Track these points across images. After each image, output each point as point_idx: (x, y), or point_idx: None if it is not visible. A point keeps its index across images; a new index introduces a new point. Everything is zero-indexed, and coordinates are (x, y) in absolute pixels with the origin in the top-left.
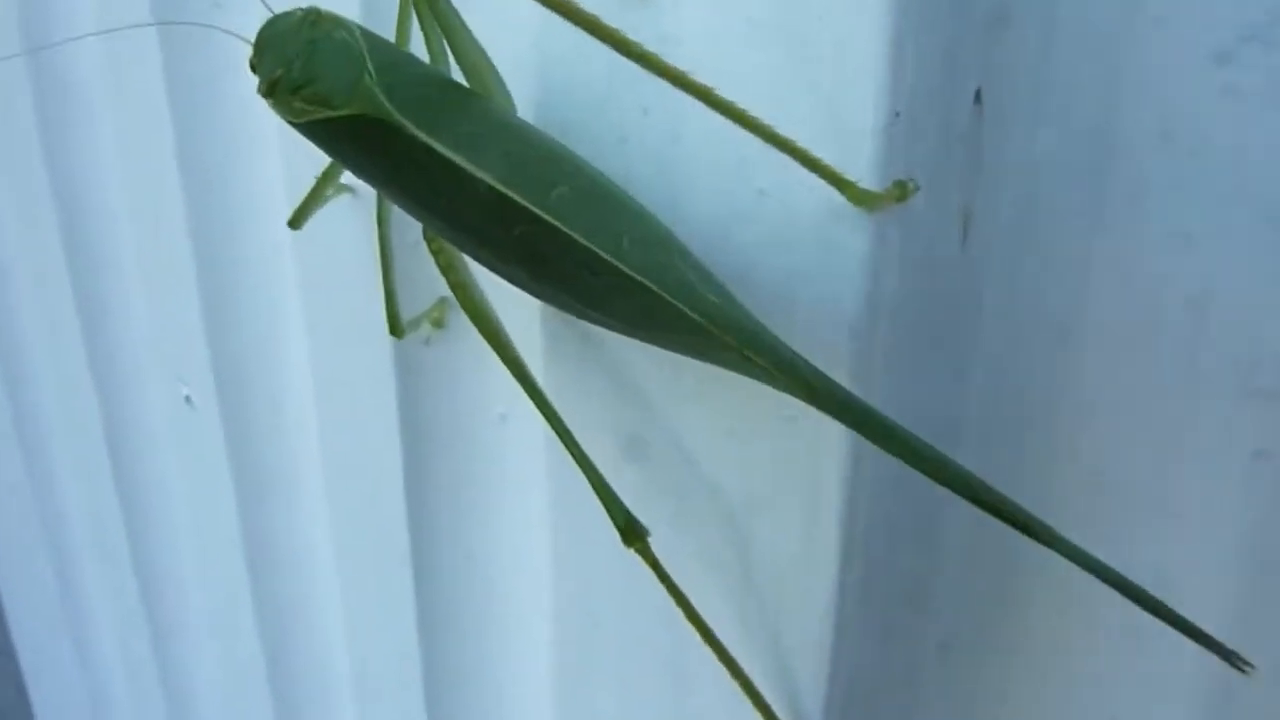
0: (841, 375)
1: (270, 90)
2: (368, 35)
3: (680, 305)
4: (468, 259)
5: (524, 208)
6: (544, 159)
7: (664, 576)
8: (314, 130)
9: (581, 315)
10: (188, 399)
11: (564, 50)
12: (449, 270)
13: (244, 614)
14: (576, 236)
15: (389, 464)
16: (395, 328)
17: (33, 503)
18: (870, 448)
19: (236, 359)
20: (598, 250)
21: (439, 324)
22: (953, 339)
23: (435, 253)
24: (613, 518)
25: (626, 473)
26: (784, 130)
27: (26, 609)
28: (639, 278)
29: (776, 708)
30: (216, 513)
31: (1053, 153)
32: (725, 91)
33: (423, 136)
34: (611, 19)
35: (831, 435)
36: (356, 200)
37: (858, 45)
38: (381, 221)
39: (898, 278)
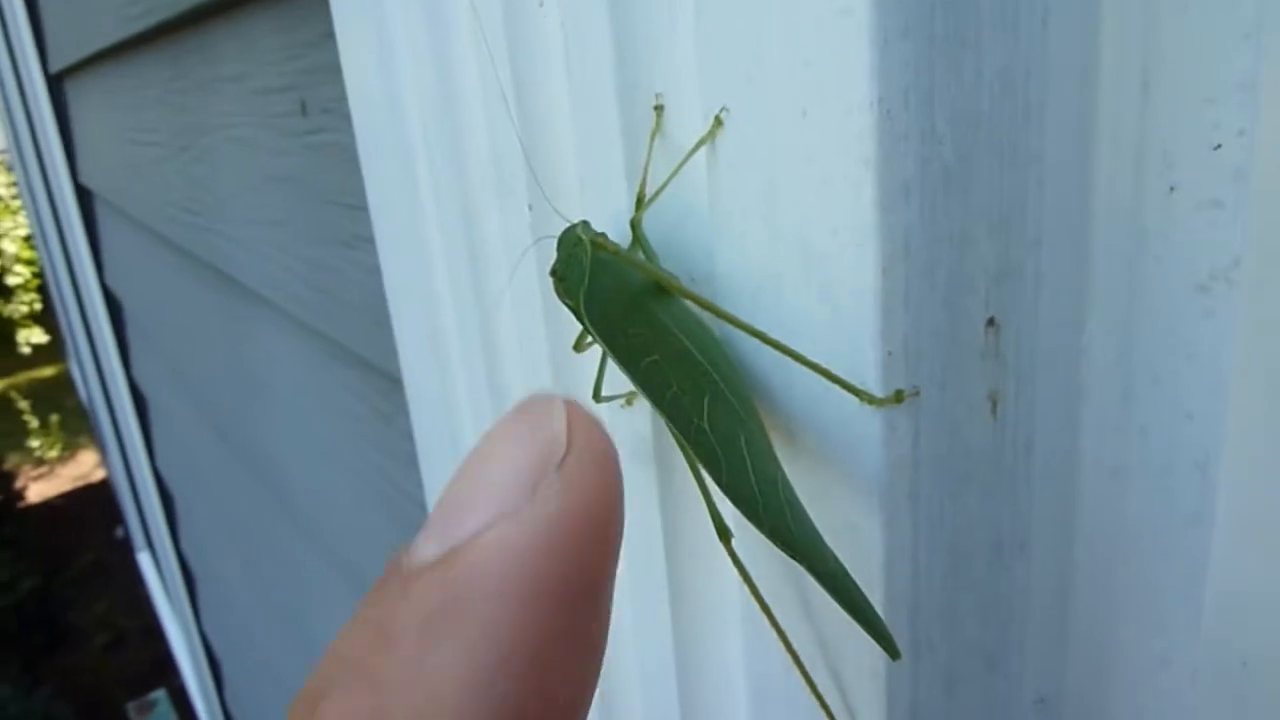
0: (874, 507)
1: (552, 274)
2: (596, 256)
3: (671, 424)
4: None
5: (625, 372)
6: (675, 365)
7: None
8: (566, 309)
9: None
10: None
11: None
12: None
13: None
14: (640, 390)
15: (654, 538)
16: (596, 394)
17: None
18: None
19: None
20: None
21: (630, 403)
22: (1003, 477)
23: None
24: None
25: None
26: (821, 356)
27: None
28: (660, 411)
29: None
30: None
31: (1079, 349)
32: (801, 328)
33: (589, 326)
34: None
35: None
36: None
37: (860, 305)
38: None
39: (915, 444)
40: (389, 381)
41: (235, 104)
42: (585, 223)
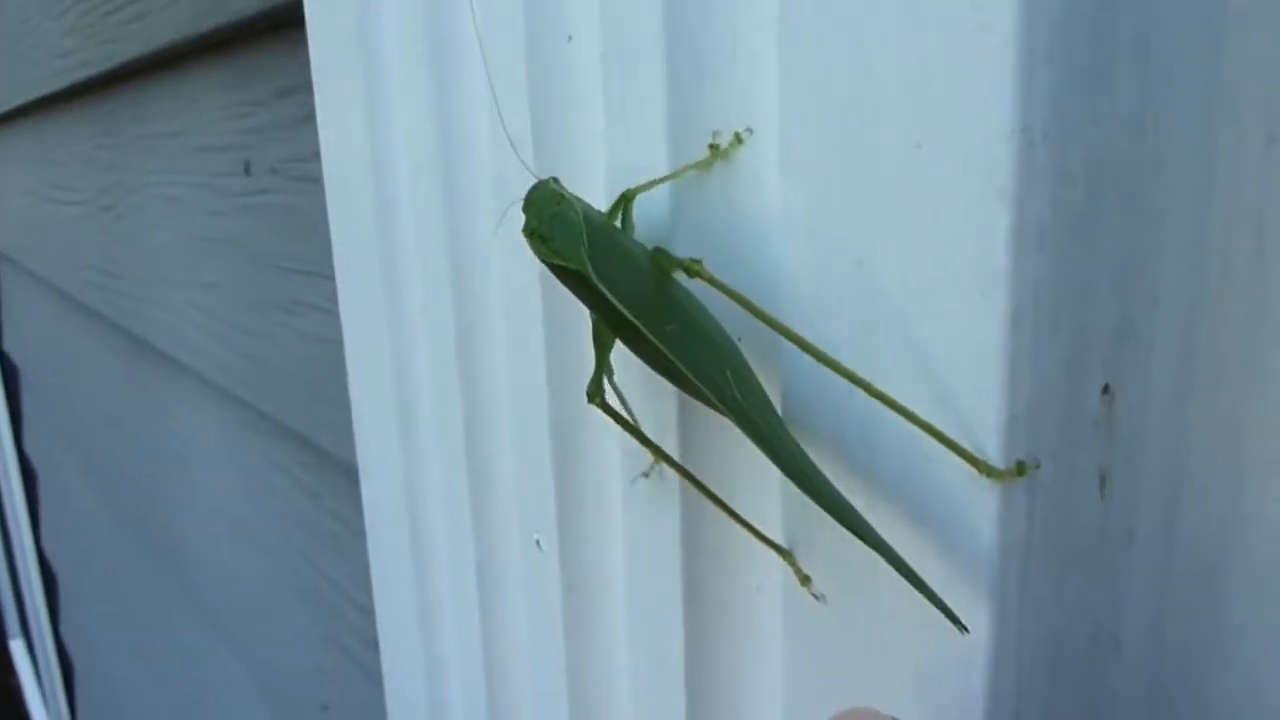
0: (981, 595)
1: (530, 235)
2: (588, 216)
3: (704, 388)
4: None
5: (647, 335)
6: (695, 338)
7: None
8: (550, 267)
9: (673, 384)
10: (538, 543)
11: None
12: (597, 334)
13: (559, 701)
14: (668, 352)
15: (672, 609)
16: (595, 393)
17: (417, 609)
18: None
19: (574, 517)
20: (675, 359)
21: (647, 475)
22: (1103, 567)
23: (596, 330)
24: None
25: None
26: (938, 420)
27: (400, 683)
28: (693, 377)
29: None
30: (550, 633)
31: (1193, 425)
32: (902, 385)
33: (605, 291)
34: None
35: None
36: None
37: (983, 362)
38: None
39: (1030, 524)
40: (319, 457)
41: (171, 161)
42: (555, 179)
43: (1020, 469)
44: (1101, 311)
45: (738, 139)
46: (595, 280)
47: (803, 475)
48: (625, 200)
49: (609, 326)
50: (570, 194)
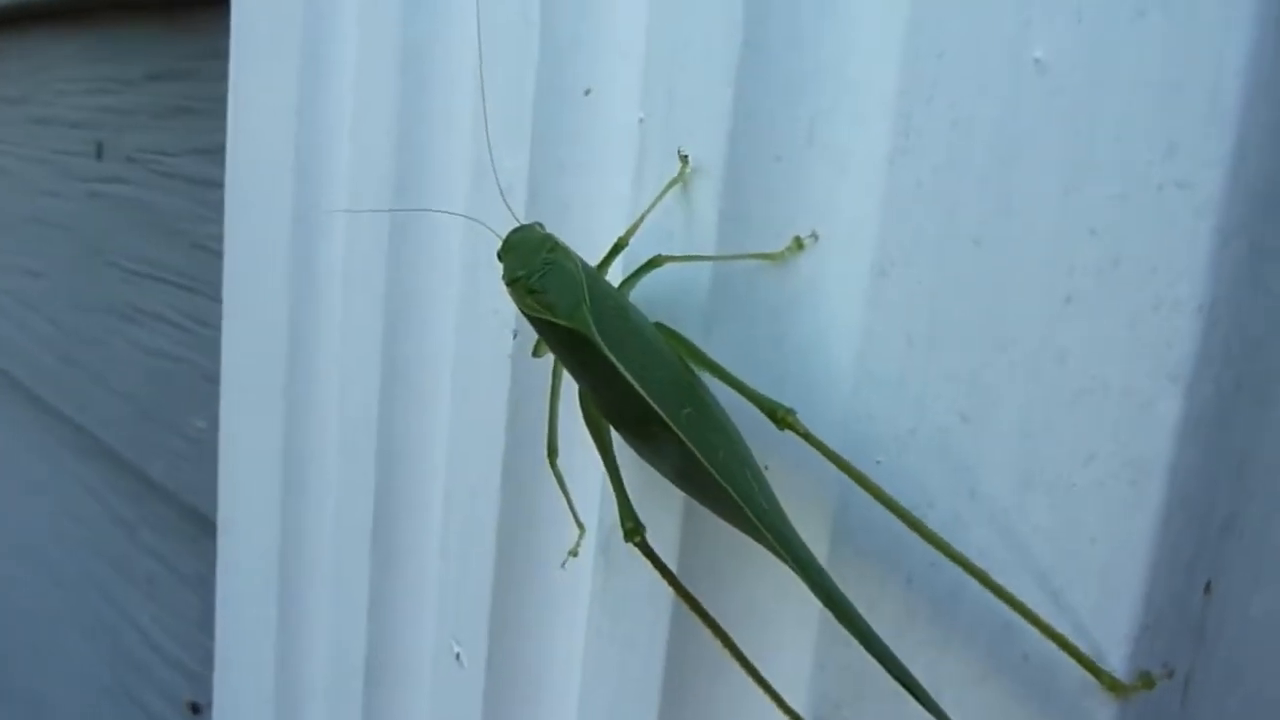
0: None
1: (512, 283)
2: (586, 269)
3: (730, 491)
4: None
5: (661, 417)
6: (710, 423)
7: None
8: (536, 323)
9: (679, 486)
10: (458, 656)
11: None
12: (592, 425)
13: None
14: (687, 441)
15: None
16: (551, 452)
17: (274, 696)
18: None
19: (515, 632)
20: (695, 450)
21: (574, 554)
22: None
23: (588, 417)
24: None
25: None
26: (1055, 621)
27: None
28: (717, 475)
29: None
30: None
31: (1256, 621)
32: (1002, 570)
33: (610, 355)
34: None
35: None
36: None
37: (1118, 568)
38: (556, 375)
39: None
40: (142, 485)
41: (5, 130)
42: (540, 224)
43: (1146, 682)
44: (1216, 506)
45: (798, 243)
46: (603, 347)
47: (833, 601)
48: (622, 255)
49: (601, 407)
50: (562, 242)
